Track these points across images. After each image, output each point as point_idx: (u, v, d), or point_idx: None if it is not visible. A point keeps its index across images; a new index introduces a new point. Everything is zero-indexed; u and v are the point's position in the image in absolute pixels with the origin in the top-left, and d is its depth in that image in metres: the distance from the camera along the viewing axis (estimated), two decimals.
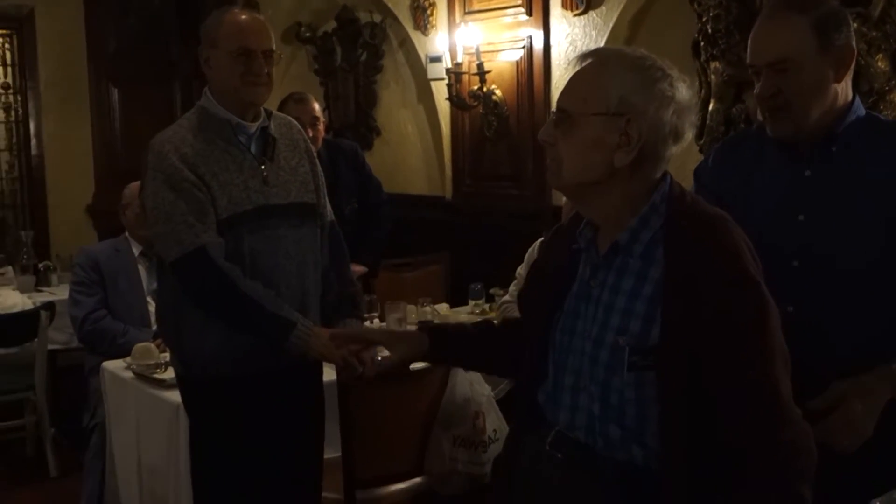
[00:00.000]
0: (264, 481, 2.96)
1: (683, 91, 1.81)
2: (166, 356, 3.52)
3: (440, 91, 6.10)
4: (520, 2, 5.56)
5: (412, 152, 6.73)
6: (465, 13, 5.90)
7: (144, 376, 3.68)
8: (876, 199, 2.20)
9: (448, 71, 5.88)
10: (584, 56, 1.85)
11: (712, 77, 4.59)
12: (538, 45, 5.51)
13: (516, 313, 3.53)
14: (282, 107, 4.58)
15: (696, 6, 4.59)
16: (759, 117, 2.39)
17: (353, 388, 3.16)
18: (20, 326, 5.12)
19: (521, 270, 3.95)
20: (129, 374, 3.77)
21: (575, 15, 5.27)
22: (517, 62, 5.67)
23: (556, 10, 5.39)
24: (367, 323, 4.12)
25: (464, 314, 4.65)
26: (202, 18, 3.00)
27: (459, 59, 5.84)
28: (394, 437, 3.34)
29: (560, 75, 5.40)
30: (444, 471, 3.43)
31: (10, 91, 7.40)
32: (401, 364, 2.18)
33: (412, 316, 4.42)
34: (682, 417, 1.73)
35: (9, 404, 5.27)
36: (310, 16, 7.17)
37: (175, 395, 3.25)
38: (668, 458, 1.74)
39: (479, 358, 2.28)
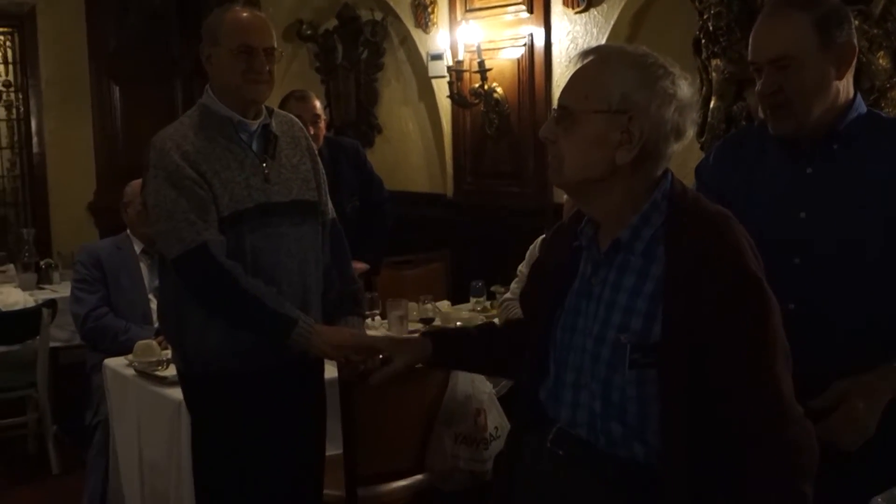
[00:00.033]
0: (266, 478, 2.96)
1: (685, 89, 1.81)
2: (168, 353, 3.53)
3: (441, 89, 6.10)
4: None
5: (413, 150, 6.74)
6: (466, 11, 5.90)
7: (146, 373, 3.68)
8: (877, 196, 2.20)
9: (449, 69, 5.88)
10: (585, 53, 1.85)
11: (713, 75, 4.59)
12: (539, 43, 5.51)
13: (518, 311, 3.55)
14: (283, 104, 4.58)
15: (697, 4, 4.59)
16: (761, 115, 2.40)
17: (355, 386, 3.16)
18: (22, 324, 5.13)
19: (523, 268, 3.95)
20: (130, 372, 3.77)
21: (576, 12, 5.27)
22: (518, 60, 5.67)
23: (557, 7, 5.39)
24: (369, 320, 4.12)
25: (465, 311, 4.65)
26: (203, 16, 3.01)
27: (460, 57, 5.84)
28: (395, 434, 3.34)
29: (561, 73, 5.40)
30: (446, 468, 3.43)
31: (12, 89, 7.40)
32: (404, 371, 2.18)
33: (413, 313, 4.43)
34: (684, 415, 1.73)
35: (10, 402, 5.28)
36: (311, 13, 7.17)
37: (177, 393, 3.25)
38: (670, 455, 1.74)
39: (482, 360, 2.28)
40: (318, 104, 4.86)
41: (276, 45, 2.94)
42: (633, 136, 1.78)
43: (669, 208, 1.82)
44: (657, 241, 1.81)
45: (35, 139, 7.29)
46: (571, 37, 5.34)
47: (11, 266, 5.92)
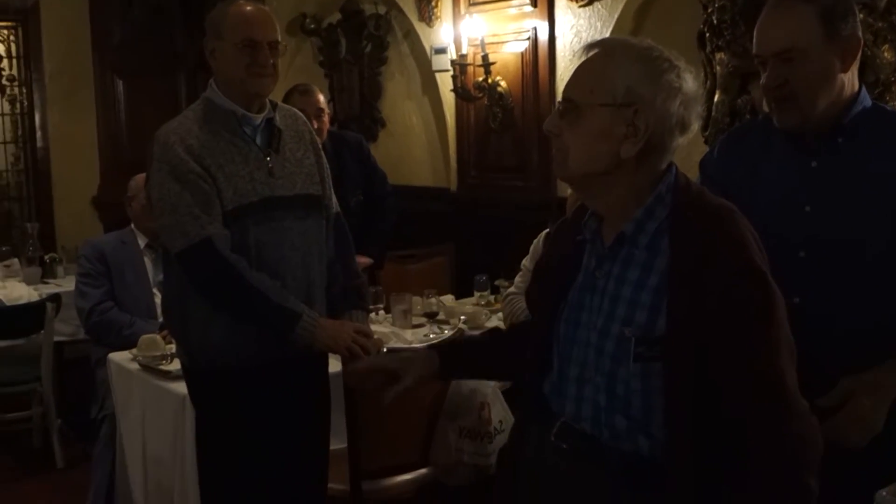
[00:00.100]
0: (270, 472, 2.97)
1: (690, 82, 1.81)
2: (172, 348, 3.53)
3: (445, 83, 6.10)
4: None
5: (417, 144, 6.73)
6: (470, 4, 5.89)
7: (150, 368, 3.68)
8: (882, 189, 2.20)
9: (453, 62, 5.87)
10: (589, 46, 1.85)
11: (718, 68, 4.58)
12: (543, 37, 5.50)
13: (521, 305, 3.55)
14: (286, 99, 4.57)
15: None
16: (765, 108, 2.39)
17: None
18: (26, 318, 5.13)
19: (527, 262, 3.94)
20: (135, 366, 3.78)
21: (580, 6, 5.26)
22: (522, 53, 5.66)
23: (561, 1, 5.38)
24: (373, 314, 4.12)
25: (469, 306, 4.65)
26: (207, 10, 3.00)
27: (464, 51, 5.83)
28: (399, 428, 3.34)
29: (565, 66, 5.39)
30: (450, 462, 3.44)
31: (16, 83, 7.41)
32: (414, 386, 2.17)
33: (417, 307, 4.43)
34: (688, 408, 1.73)
35: (15, 396, 5.29)
36: (314, 7, 7.16)
37: (181, 387, 3.25)
38: (674, 448, 1.74)
39: (491, 367, 2.28)
40: (321, 98, 4.86)
41: (279, 39, 2.94)
42: (638, 129, 1.77)
43: (674, 202, 1.82)
44: (661, 234, 1.81)
45: (39, 133, 7.29)
46: (575, 30, 5.34)
47: (16, 260, 5.93)
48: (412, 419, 3.38)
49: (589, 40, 1.88)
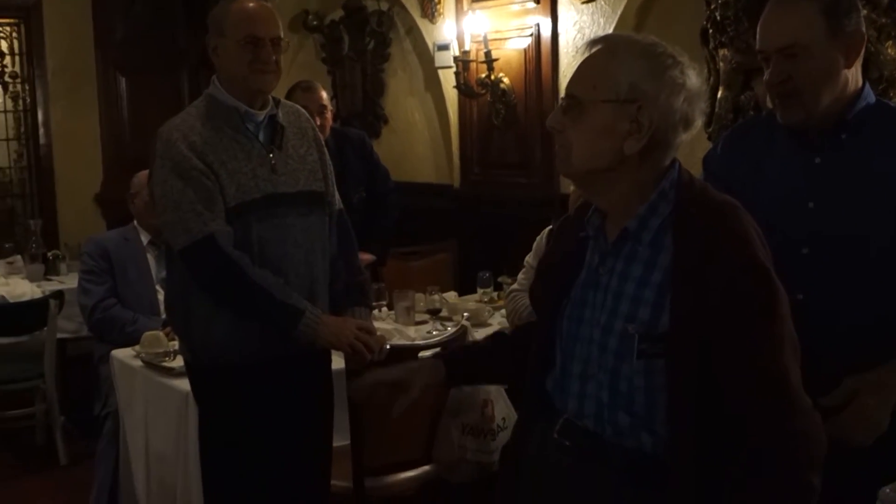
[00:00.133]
0: (273, 469, 2.97)
1: (694, 78, 1.80)
2: (175, 344, 3.53)
3: (448, 79, 6.09)
4: None
5: (420, 141, 6.73)
6: (473, 1, 5.88)
7: (153, 365, 3.69)
8: (886, 186, 2.20)
9: (456, 59, 5.86)
10: (593, 42, 1.84)
11: (721, 64, 4.57)
12: (546, 33, 5.49)
13: (525, 302, 3.55)
14: (289, 95, 4.58)
15: None
16: (769, 104, 2.39)
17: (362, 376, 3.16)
18: (29, 315, 5.14)
19: (530, 259, 3.94)
20: (138, 363, 3.78)
21: (583, 2, 5.25)
22: (525, 50, 5.66)
23: None
24: (376, 311, 4.12)
25: (472, 302, 4.65)
26: (209, 6, 3.00)
27: (467, 47, 5.82)
28: (402, 425, 3.34)
29: (568, 63, 5.39)
30: (453, 459, 3.44)
31: (18, 80, 7.41)
32: (420, 396, 2.17)
33: (420, 304, 4.43)
34: (692, 405, 1.72)
35: (19, 393, 5.30)
36: (317, 4, 7.16)
37: (184, 384, 3.26)
38: (677, 445, 1.74)
39: (496, 371, 2.27)
40: (324, 95, 4.87)
41: (282, 36, 2.93)
42: (641, 125, 1.77)
43: (677, 198, 1.82)
44: (665, 230, 1.80)
45: (42, 130, 7.29)
46: (578, 27, 5.33)
47: (19, 257, 5.94)
48: (415, 416, 3.38)
49: (592, 36, 1.87)
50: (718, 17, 4.52)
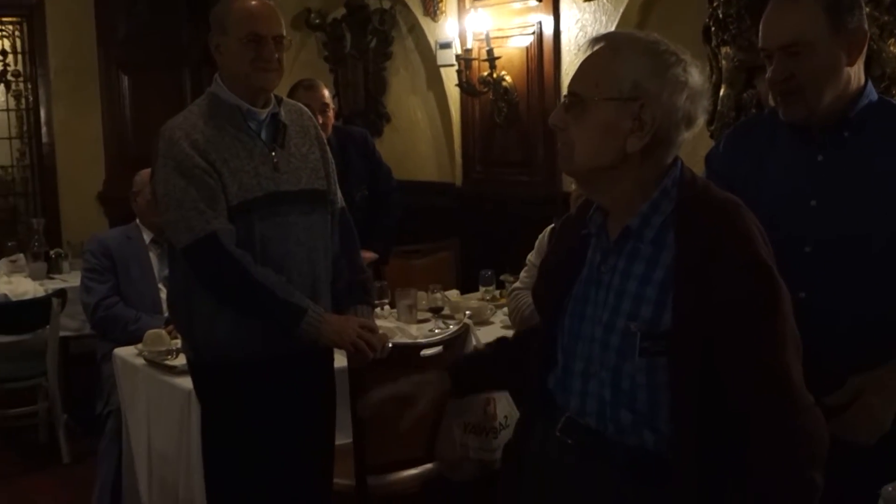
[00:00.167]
0: (275, 467, 2.97)
1: (696, 76, 1.80)
2: (178, 343, 3.53)
3: (450, 77, 6.09)
4: None
5: (422, 139, 6.73)
6: None
7: (156, 363, 3.69)
8: (888, 184, 2.19)
9: (458, 57, 5.87)
10: (595, 40, 1.84)
11: (723, 62, 4.57)
12: (548, 31, 5.49)
13: (527, 300, 3.54)
14: (291, 94, 4.58)
15: None
16: (771, 102, 2.39)
17: (365, 374, 3.16)
18: (32, 313, 5.15)
19: (532, 257, 3.94)
20: (140, 361, 3.78)
21: (585, 0, 5.25)
22: (527, 48, 5.66)
23: None
24: (378, 310, 4.12)
25: (474, 301, 4.65)
26: (212, 4, 2.99)
27: (469, 46, 5.83)
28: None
29: (570, 61, 5.39)
30: (455, 457, 3.43)
31: (21, 79, 7.41)
32: (430, 409, 2.17)
33: (422, 302, 4.43)
34: (694, 403, 1.72)
35: (21, 391, 5.31)
36: (319, 2, 7.16)
37: (186, 382, 3.26)
38: (680, 443, 1.74)
39: (502, 378, 2.27)
40: (326, 93, 4.87)
41: (285, 33, 2.93)
42: (644, 123, 1.77)
43: (679, 196, 1.81)
44: (667, 228, 1.80)
45: (44, 129, 7.29)
46: (580, 25, 5.33)
47: (21, 256, 5.94)
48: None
49: (594, 34, 1.87)
50: (721, 15, 4.52)
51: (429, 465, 3.45)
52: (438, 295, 4.44)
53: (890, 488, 1.88)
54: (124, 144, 7.39)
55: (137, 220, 4.63)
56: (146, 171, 4.22)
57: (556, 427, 1.90)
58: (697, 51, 4.39)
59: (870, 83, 2.30)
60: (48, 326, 5.11)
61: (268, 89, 2.93)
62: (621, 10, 5.06)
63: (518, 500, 2.01)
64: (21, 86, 7.43)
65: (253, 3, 2.91)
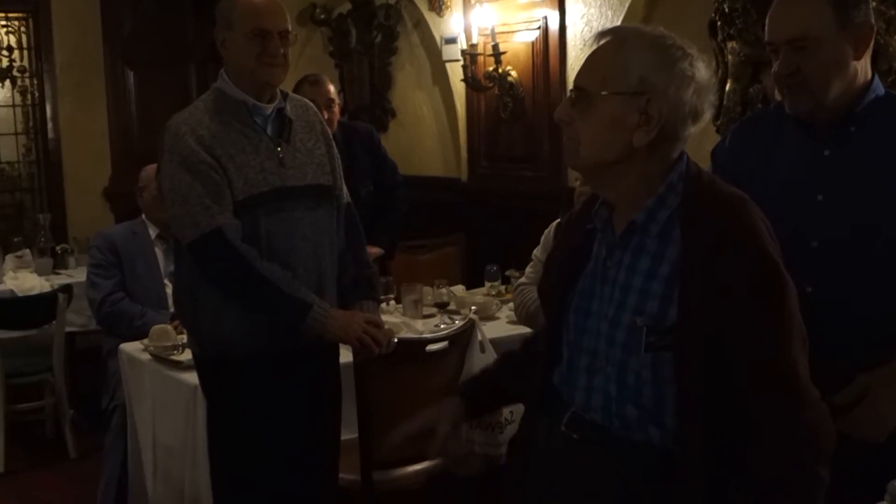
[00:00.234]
0: (281, 462, 2.97)
1: (703, 70, 1.80)
2: (183, 338, 3.53)
3: (455, 72, 6.09)
4: None
5: (427, 134, 6.72)
6: None
7: (162, 358, 3.69)
8: (895, 178, 2.19)
9: (463, 52, 5.86)
10: (601, 34, 1.83)
11: (729, 57, 4.57)
12: (554, 26, 5.49)
13: (533, 295, 3.54)
14: (297, 89, 4.57)
15: None
16: (777, 97, 2.38)
17: (370, 370, 3.17)
18: (38, 309, 5.16)
19: (538, 253, 3.93)
20: (146, 356, 3.78)
21: None
22: (532, 43, 5.65)
23: None
24: (384, 305, 4.12)
25: (480, 296, 4.65)
26: (217, 0, 2.99)
27: (474, 41, 5.82)
28: (410, 418, 3.34)
29: (576, 56, 5.38)
30: (461, 452, 3.43)
31: (27, 75, 7.41)
32: (452, 433, 2.17)
33: (428, 298, 4.43)
34: (700, 398, 1.72)
35: (28, 386, 5.33)
36: None
37: (192, 377, 3.26)
38: (685, 438, 1.74)
39: (511, 393, 2.24)
40: (331, 88, 4.86)
41: (290, 28, 2.93)
42: (650, 118, 1.76)
43: (685, 190, 1.81)
44: (673, 223, 1.80)
45: (50, 125, 7.30)
46: (586, 19, 5.32)
47: (28, 251, 5.95)
48: (423, 410, 3.38)
49: (600, 29, 1.87)
50: (727, 10, 4.51)
51: (434, 460, 3.45)
52: (444, 290, 4.44)
53: None
54: (130, 140, 7.41)
55: (143, 216, 4.63)
56: (152, 167, 4.23)
57: (562, 422, 1.90)
58: (703, 45, 4.38)
59: (877, 78, 2.29)
60: (54, 322, 5.12)
61: (273, 84, 2.93)
62: (627, 5, 5.05)
63: (523, 495, 2.01)
64: (27, 82, 7.43)
65: None
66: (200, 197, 2.78)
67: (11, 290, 5.36)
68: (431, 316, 4.32)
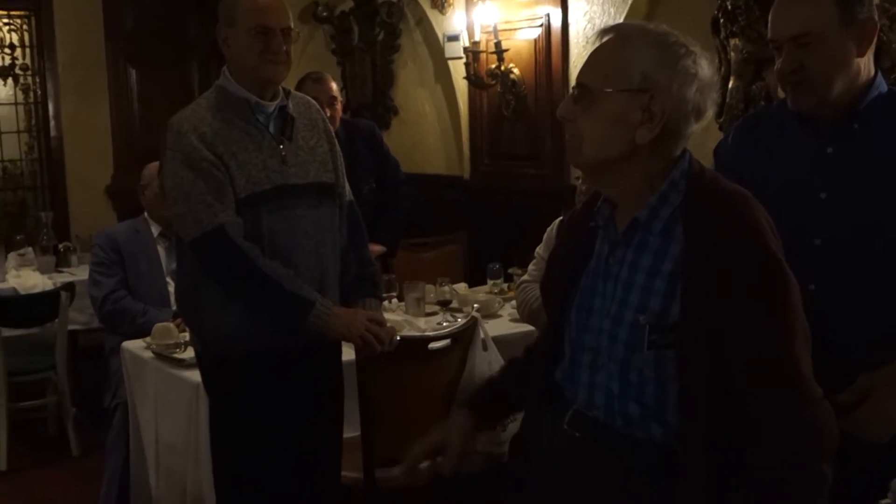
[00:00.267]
0: (284, 460, 2.97)
1: (706, 68, 1.79)
2: (186, 336, 3.54)
3: (458, 70, 6.09)
4: None
5: (430, 132, 6.72)
6: None
7: (164, 356, 3.69)
8: None
9: (466, 50, 5.86)
10: (604, 31, 1.83)
11: (732, 54, 4.56)
12: (556, 23, 5.48)
13: (535, 293, 3.54)
14: (299, 87, 4.57)
15: None
16: (780, 94, 2.38)
17: (373, 368, 3.17)
18: (41, 307, 5.16)
19: (540, 250, 3.93)
20: (148, 354, 3.78)
21: None
22: (535, 40, 5.65)
23: None
24: (386, 303, 4.12)
25: (482, 294, 4.65)
26: None
27: (477, 38, 5.82)
28: (413, 415, 3.34)
29: (578, 53, 5.38)
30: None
31: (29, 72, 7.41)
32: (465, 449, 2.16)
33: (430, 295, 4.42)
34: (703, 395, 1.72)
35: (30, 384, 5.33)
36: None
37: (195, 375, 3.26)
38: (688, 435, 1.74)
39: (518, 402, 2.22)
40: (334, 86, 4.86)
41: (293, 25, 2.93)
42: (653, 115, 1.76)
43: (688, 188, 1.81)
44: (675, 220, 1.79)
45: (52, 122, 7.30)
46: (588, 17, 5.32)
47: (30, 249, 5.95)
48: (425, 407, 3.38)
49: (602, 26, 1.86)
50: (730, 7, 4.51)
51: (437, 458, 3.45)
52: (446, 288, 4.44)
53: None
54: (132, 138, 7.41)
55: (145, 214, 4.63)
56: (154, 165, 4.23)
57: (564, 420, 1.90)
58: (706, 43, 4.37)
59: (879, 75, 2.29)
60: (57, 320, 5.12)
61: (276, 82, 2.93)
62: (630, 2, 5.04)
63: (526, 493, 2.01)
64: (29, 80, 7.43)
65: None
66: (203, 195, 2.78)
67: (14, 289, 5.36)
68: (434, 314, 4.32)
